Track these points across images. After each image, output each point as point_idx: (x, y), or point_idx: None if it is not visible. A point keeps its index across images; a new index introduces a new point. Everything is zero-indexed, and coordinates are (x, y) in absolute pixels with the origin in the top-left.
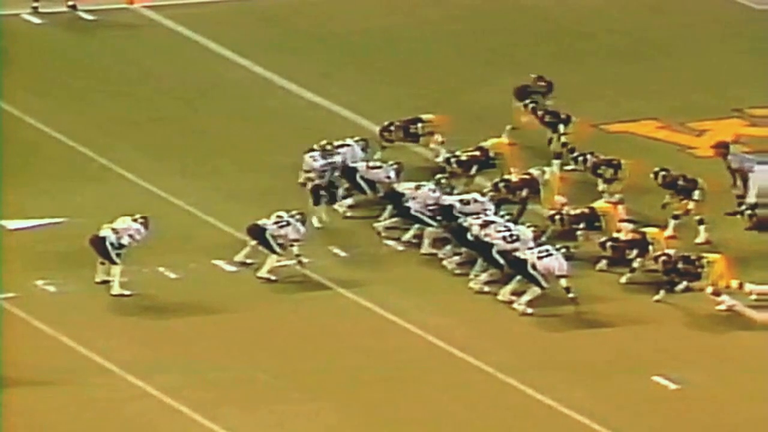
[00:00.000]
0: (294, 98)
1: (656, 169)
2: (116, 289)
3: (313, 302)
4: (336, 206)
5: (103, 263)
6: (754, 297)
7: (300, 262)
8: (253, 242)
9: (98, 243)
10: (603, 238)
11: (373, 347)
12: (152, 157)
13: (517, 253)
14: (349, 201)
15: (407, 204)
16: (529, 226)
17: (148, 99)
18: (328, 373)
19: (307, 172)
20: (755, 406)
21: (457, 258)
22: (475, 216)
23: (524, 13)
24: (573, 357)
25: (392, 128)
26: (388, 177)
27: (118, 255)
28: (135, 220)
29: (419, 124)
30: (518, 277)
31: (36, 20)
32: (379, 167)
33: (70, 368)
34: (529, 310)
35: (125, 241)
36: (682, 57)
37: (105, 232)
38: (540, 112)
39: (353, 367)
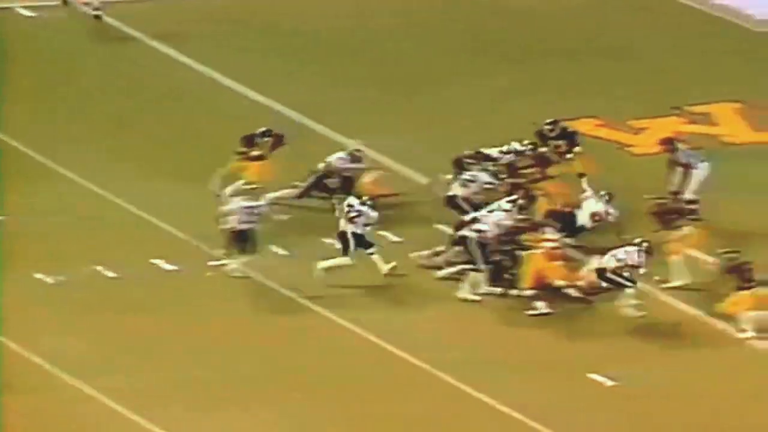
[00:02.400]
0: (241, 98)
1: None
2: None
3: (260, 302)
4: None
5: None
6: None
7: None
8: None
9: None
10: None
11: (323, 348)
12: (102, 159)
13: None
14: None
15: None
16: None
17: (93, 98)
18: (274, 375)
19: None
20: (691, 403)
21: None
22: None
23: (466, 12)
24: (511, 353)
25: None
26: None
27: None
28: None
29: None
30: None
31: None
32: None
33: (12, 372)
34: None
35: None
36: (622, 55)
37: None
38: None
39: (301, 368)
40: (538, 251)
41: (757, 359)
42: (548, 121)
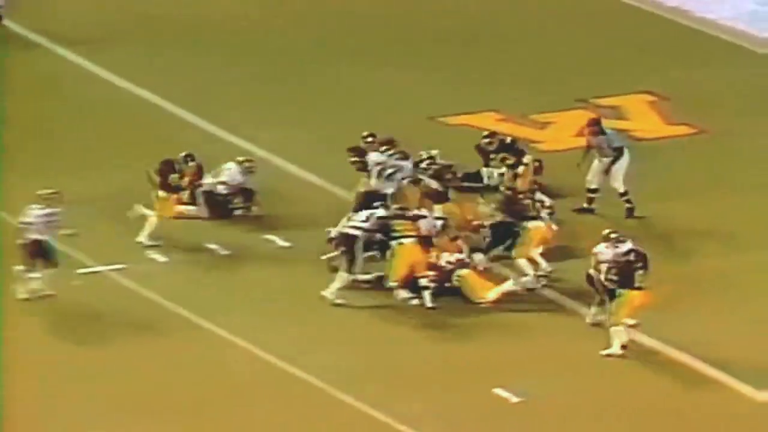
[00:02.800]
0: (122, 93)
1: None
2: None
3: (135, 313)
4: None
5: None
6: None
7: None
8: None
9: None
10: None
11: (194, 360)
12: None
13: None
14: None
15: None
16: None
17: None
18: (150, 391)
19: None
20: (599, 418)
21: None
22: None
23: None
24: (410, 369)
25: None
26: None
27: None
28: None
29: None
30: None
31: None
32: None
33: None
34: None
35: None
36: (525, 45)
37: None
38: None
39: (170, 383)
40: (409, 241)
41: (667, 371)
42: (485, 134)
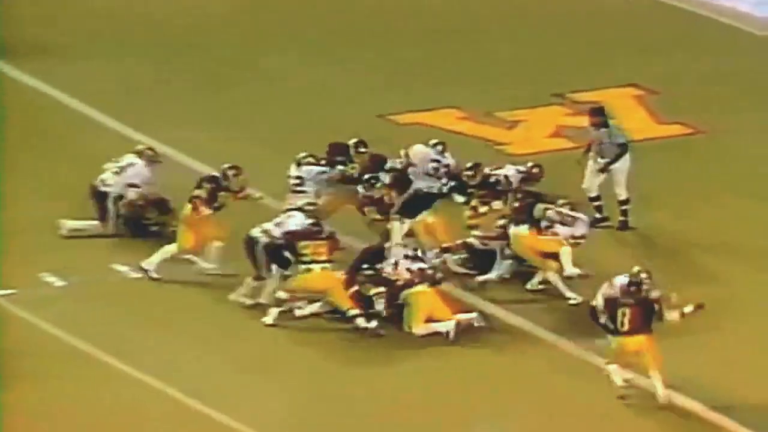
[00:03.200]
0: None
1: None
2: None
3: (21, 341)
4: None
5: None
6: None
7: None
8: None
9: None
10: None
11: (95, 401)
12: None
13: None
14: None
15: None
16: None
17: None
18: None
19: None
20: None
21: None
22: None
23: None
24: (349, 416)
25: None
26: None
27: None
28: None
29: None
30: None
31: None
32: None
33: None
34: None
35: None
36: (493, 35)
37: None
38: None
39: (66, 428)
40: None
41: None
42: (468, 165)
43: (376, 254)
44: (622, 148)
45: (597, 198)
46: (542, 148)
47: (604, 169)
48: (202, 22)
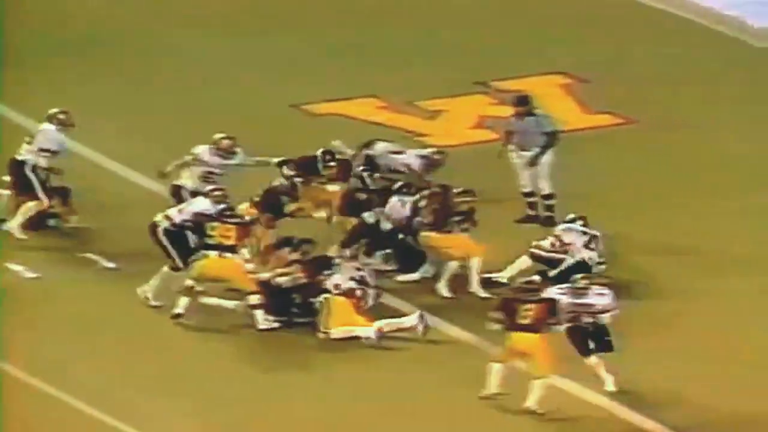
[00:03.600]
0: None
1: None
2: None
3: None
4: None
5: None
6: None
7: None
8: None
9: None
10: None
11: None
12: None
13: None
14: None
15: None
16: None
17: None
18: None
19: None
20: None
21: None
22: None
23: None
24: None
25: None
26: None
27: None
28: None
29: None
30: None
31: None
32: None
33: None
34: None
35: None
36: (411, 23)
37: None
38: None
39: None
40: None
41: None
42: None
43: (323, 263)
44: (549, 138)
45: (530, 194)
46: (464, 139)
47: (534, 162)
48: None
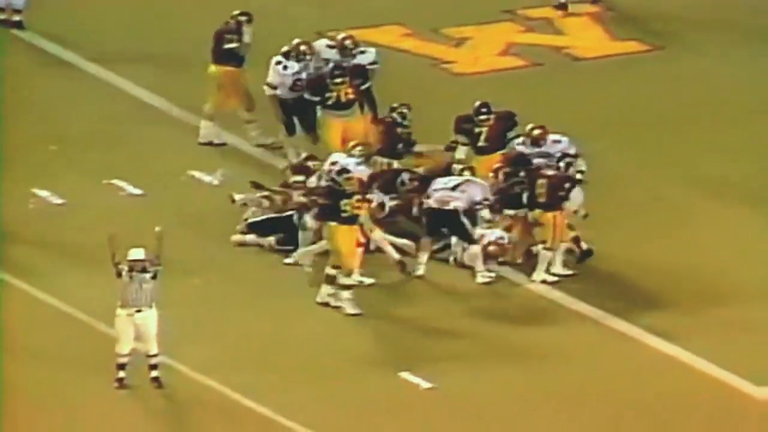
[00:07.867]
0: None
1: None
2: None
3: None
4: None
5: None
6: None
7: None
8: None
9: None
10: None
11: None
12: None
13: None
14: None
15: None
16: None
17: None
18: None
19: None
20: (509, 405)
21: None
22: None
23: None
24: (302, 357)
25: None
26: None
27: None
28: None
29: None
30: None
31: None
32: None
33: None
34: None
35: None
36: None
37: None
38: None
39: None
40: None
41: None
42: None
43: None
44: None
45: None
46: (490, 67)
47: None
48: None
